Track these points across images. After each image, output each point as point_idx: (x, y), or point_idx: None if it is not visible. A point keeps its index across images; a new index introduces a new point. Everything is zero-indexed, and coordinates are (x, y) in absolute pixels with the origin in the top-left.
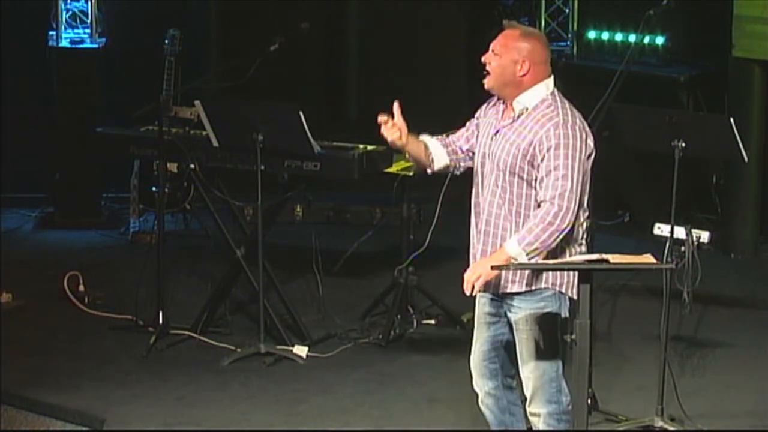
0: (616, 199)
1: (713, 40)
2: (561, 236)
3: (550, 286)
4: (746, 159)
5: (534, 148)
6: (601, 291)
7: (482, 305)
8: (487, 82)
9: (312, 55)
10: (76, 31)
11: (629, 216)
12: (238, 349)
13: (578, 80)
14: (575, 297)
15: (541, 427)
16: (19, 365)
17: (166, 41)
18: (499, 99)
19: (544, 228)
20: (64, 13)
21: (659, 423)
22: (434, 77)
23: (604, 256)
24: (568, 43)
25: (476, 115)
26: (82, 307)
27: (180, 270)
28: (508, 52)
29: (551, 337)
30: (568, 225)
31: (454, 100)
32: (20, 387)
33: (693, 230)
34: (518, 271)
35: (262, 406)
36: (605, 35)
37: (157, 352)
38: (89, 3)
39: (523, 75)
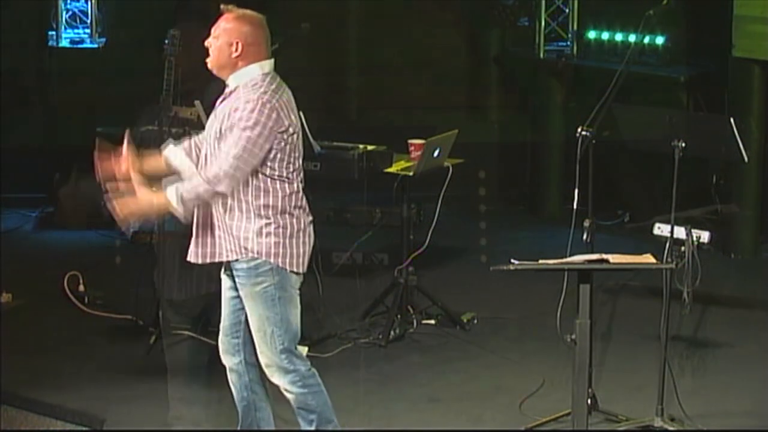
0: (616, 199)
1: (713, 40)
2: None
3: (264, 257)
4: (746, 159)
5: (221, 124)
6: (601, 291)
7: (224, 279)
8: (210, 64)
9: (312, 55)
10: (76, 31)
11: (629, 216)
12: None
13: (578, 80)
14: (299, 271)
15: (289, 397)
16: (19, 365)
17: (166, 41)
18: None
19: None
20: (64, 13)
21: (659, 423)
22: (435, 77)
23: (604, 256)
24: (568, 43)
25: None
26: (82, 307)
27: (180, 270)
28: (224, 34)
29: (273, 312)
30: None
31: (454, 99)
32: (20, 387)
33: (693, 230)
34: (232, 239)
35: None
36: (605, 35)
37: (157, 352)
38: (89, 3)
39: (237, 56)
